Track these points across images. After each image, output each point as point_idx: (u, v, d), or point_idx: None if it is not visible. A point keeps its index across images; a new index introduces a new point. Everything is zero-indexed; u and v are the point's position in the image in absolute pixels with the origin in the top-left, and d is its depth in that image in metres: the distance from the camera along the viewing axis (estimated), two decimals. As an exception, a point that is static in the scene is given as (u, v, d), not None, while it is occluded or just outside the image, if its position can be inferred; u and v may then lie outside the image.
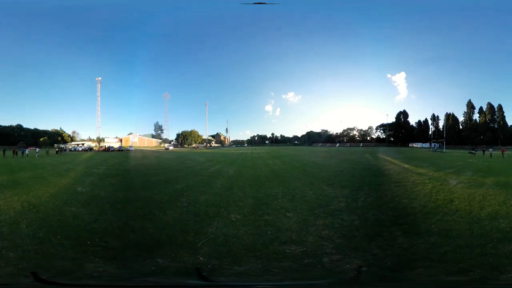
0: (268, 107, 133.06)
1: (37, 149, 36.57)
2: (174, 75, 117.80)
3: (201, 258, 4.11)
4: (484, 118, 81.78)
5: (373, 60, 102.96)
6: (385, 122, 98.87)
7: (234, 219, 5.98)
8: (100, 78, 76.36)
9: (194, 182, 11.14)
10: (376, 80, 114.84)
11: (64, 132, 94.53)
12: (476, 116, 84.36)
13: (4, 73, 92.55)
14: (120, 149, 58.22)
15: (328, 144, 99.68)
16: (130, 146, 69.31)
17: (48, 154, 34.05)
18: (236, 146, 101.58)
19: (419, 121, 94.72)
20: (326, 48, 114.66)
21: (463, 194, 8.09)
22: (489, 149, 34.64)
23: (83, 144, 68.54)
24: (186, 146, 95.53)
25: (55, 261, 3.98)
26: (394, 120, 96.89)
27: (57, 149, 42.61)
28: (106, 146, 60.97)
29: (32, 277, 2.78)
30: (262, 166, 18.78)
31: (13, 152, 30.23)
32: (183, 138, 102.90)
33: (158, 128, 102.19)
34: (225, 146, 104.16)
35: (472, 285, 3.05)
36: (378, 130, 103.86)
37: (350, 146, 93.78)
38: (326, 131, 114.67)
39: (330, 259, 4.04)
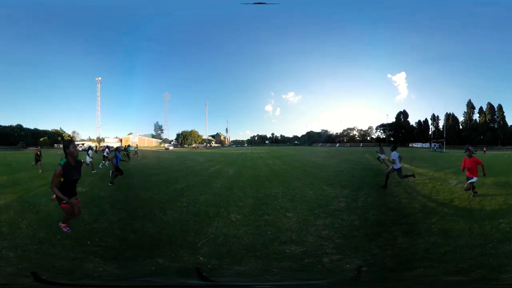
0: (268, 107, 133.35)
1: (106, 150, 19.18)
2: (174, 75, 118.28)
3: (201, 258, 4.11)
4: (484, 118, 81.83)
5: (373, 60, 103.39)
6: (385, 122, 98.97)
7: (234, 219, 5.98)
8: (100, 78, 76.63)
9: (194, 182, 11.14)
10: (376, 80, 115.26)
11: (64, 132, 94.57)
12: (476, 116, 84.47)
13: (4, 73, 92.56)
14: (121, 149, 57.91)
15: (328, 144, 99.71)
16: (129, 146, 69.15)
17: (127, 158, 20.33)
18: (236, 146, 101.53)
19: (419, 121, 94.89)
20: (326, 48, 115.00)
21: (463, 194, 8.08)
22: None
23: (83, 144, 68.46)
24: (186, 146, 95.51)
25: (55, 261, 3.98)
26: (394, 120, 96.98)
27: (135, 149, 27.90)
28: (106, 146, 60.87)
29: (32, 277, 2.78)
30: (262, 166, 18.78)
31: (36, 157, 15.76)
32: (183, 138, 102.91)
33: (158, 128, 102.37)
34: (225, 146, 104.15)
35: (472, 285, 3.05)
36: (378, 130, 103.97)
37: (350, 146, 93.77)
38: (326, 131, 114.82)
39: (330, 259, 4.04)
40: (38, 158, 15.91)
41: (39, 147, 17.88)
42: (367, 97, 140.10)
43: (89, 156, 16.03)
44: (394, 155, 9.68)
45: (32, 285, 2.62)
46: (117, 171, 10.90)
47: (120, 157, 11.49)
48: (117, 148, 13.35)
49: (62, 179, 4.71)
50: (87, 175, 13.55)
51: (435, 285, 3.06)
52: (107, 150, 19.57)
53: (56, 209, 6.77)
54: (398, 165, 9.60)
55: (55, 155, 35.86)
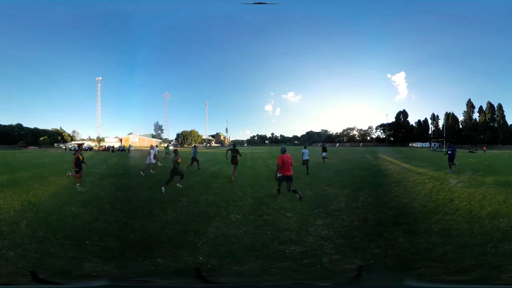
0: (268, 107, 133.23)
1: (156, 150, 17.31)
2: (174, 75, 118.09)
3: (201, 258, 4.10)
4: (484, 117, 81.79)
5: (373, 60, 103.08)
6: (385, 122, 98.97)
7: (234, 219, 5.98)
8: (100, 78, 76.53)
9: (194, 182, 11.13)
10: (376, 80, 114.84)
11: (64, 131, 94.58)
12: (476, 116, 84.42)
13: (4, 72, 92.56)
14: (121, 149, 57.97)
15: (328, 144, 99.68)
16: (130, 146, 69.18)
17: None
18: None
19: (419, 120, 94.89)
20: (326, 48, 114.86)
21: (463, 194, 8.08)
22: None
23: (83, 144, 68.27)
24: (186, 146, 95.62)
25: (55, 261, 3.97)
26: (394, 120, 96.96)
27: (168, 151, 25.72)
28: (106, 146, 60.85)
29: (30, 277, 2.76)
30: (262, 166, 18.77)
31: (76, 163, 9.87)
32: (183, 138, 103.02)
33: (158, 128, 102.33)
34: (225, 146, 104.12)
35: (472, 285, 3.04)
36: (378, 130, 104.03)
37: (350, 146, 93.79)
38: (326, 131, 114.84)
39: (330, 259, 4.04)
40: (80, 165, 10.03)
41: (81, 147, 12.18)
42: (367, 97, 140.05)
43: (150, 156, 14.96)
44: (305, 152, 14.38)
45: (30, 285, 2.61)
46: (195, 160, 16.07)
47: (197, 151, 16.88)
48: (195, 145, 18.58)
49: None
50: (86, 175, 13.53)
51: (436, 284, 3.06)
52: (157, 149, 18.70)
53: (56, 208, 6.77)
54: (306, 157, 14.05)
55: (55, 154, 35.87)
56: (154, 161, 15.32)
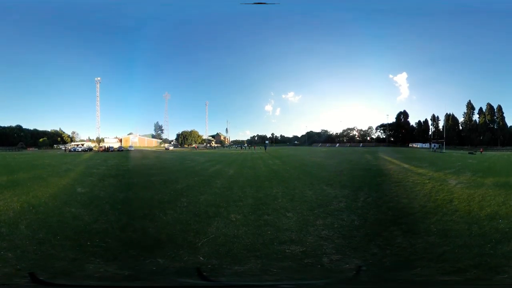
0: (268, 107, 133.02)
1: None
2: (174, 75, 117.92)
3: (201, 258, 4.12)
4: (483, 119, 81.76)
5: (374, 60, 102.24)
6: (385, 122, 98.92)
7: (234, 219, 5.99)
8: (99, 78, 76.42)
9: (194, 182, 11.14)
10: (378, 80, 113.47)
11: (64, 132, 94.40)
12: (476, 117, 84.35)
13: (3, 73, 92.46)
14: (120, 150, 58.08)
15: (328, 144, 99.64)
16: (130, 146, 69.19)
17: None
18: (237, 147, 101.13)
19: (419, 121, 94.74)
20: (327, 48, 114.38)
21: (462, 194, 8.09)
22: None
23: (82, 145, 68.15)
24: (186, 146, 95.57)
25: (55, 262, 3.99)
26: (394, 120, 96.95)
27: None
28: (106, 147, 60.77)
29: (29, 278, 2.77)
30: (262, 166, 18.77)
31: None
32: (183, 138, 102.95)
33: (158, 128, 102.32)
34: (225, 146, 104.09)
35: (467, 285, 3.06)
36: (378, 130, 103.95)
37: (350, 146, 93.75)
38: (326, 131, 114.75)
39: (330, 259, 4.05)
40: None
41: None
42: (368, 97, 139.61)
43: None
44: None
45: (29, 286, 2.61)
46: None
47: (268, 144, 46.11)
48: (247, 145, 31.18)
49: None
50: (86, 176, 13.54)
51: (432, 284, 3.08)
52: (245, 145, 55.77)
53: (56, 209, 6.78)
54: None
55: (54, 155, 35.84)
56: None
